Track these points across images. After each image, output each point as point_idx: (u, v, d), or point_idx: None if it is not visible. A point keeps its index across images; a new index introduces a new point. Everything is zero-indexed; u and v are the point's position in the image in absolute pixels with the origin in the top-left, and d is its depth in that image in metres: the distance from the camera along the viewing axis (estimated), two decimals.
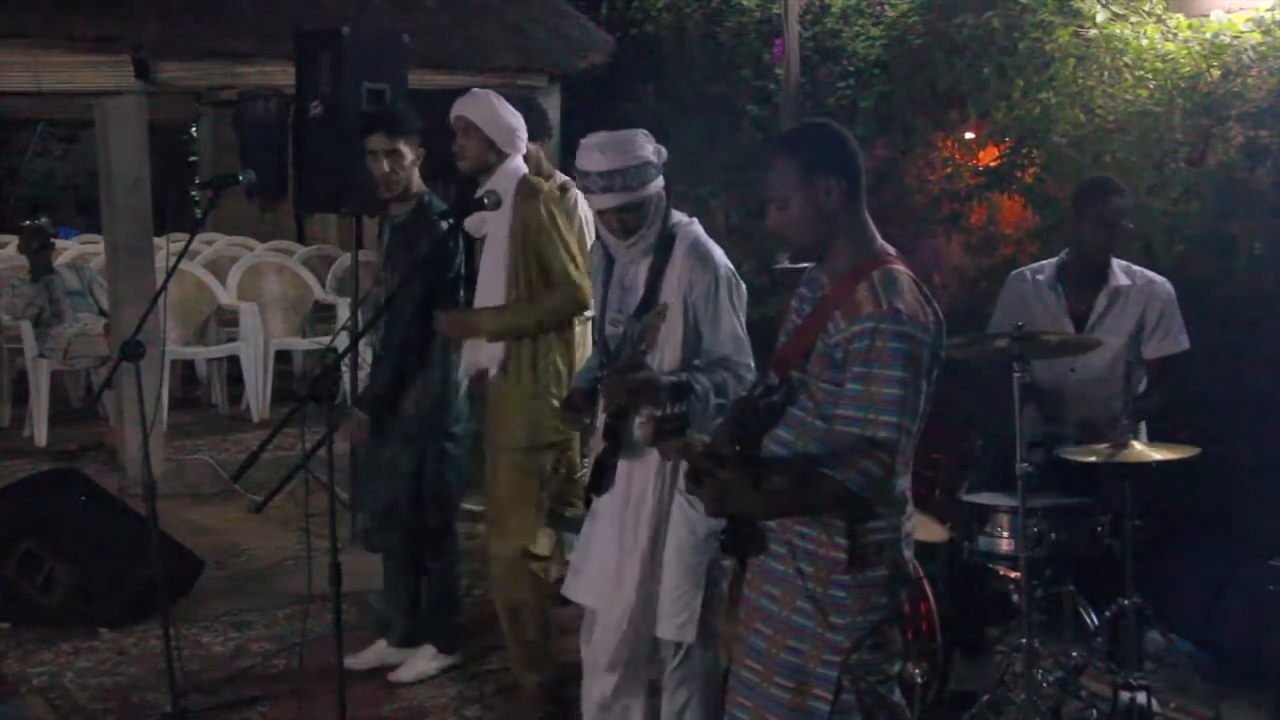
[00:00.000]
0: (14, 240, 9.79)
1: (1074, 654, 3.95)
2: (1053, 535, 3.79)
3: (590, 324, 4.06)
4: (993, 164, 5.99)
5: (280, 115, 6.68)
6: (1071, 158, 5.45)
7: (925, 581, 3.80)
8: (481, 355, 4.10)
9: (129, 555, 5.01)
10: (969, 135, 6.23)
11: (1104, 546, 3.86)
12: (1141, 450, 3.73)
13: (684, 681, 3.41)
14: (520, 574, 4.06)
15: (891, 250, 2.63)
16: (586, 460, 3.88)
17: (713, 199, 7.35)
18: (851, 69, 6.66)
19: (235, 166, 5.43)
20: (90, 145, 10.76)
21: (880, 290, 2.50)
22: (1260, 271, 4.87)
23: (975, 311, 5.33)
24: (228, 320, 8.86)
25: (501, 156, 4.06)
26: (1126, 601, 3.82)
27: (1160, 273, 4.26)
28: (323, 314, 9.26)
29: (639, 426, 3.30)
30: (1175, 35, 5.22)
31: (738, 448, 2.49)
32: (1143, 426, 4.11)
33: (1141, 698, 3.82)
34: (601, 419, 3.41)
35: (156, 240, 7.33)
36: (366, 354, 6.31)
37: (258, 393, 8.61)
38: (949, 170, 6.28)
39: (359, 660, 4.54)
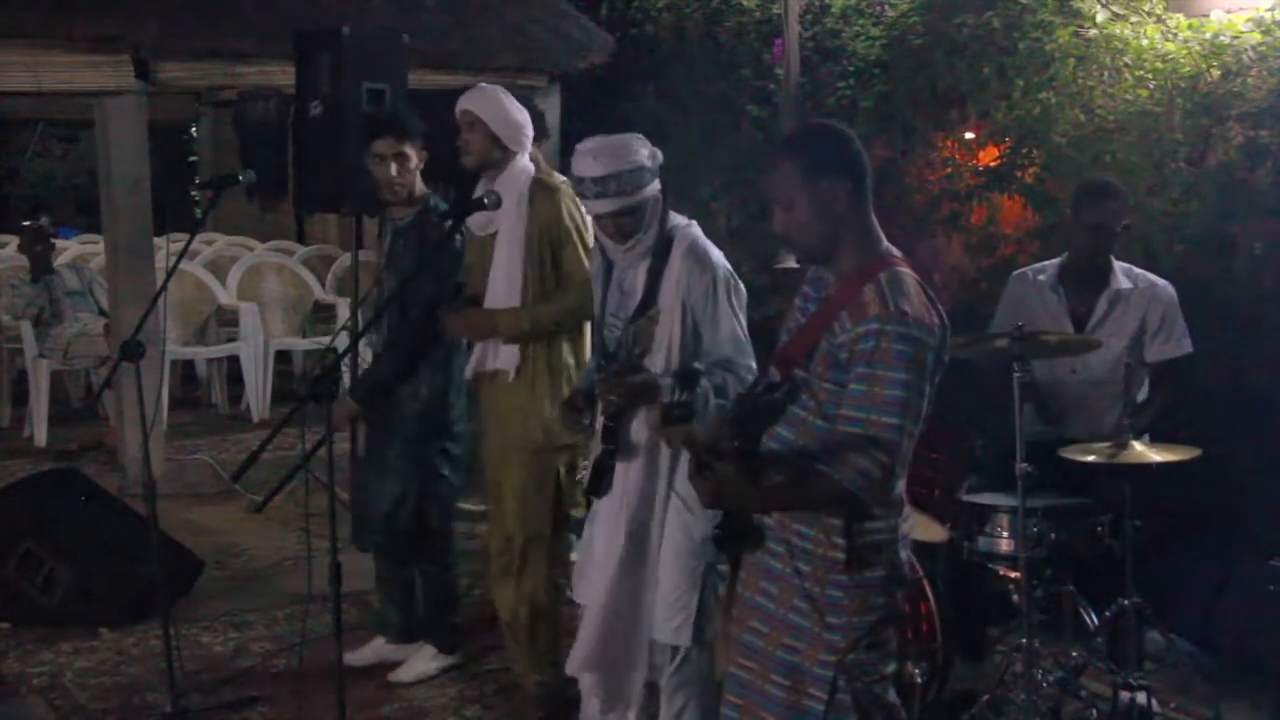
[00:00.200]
0: (14, 240, 9.80)
1: (1074, 654, 3.95)
2: (1053, 535, 3.79)
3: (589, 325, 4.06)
4: (993, 164, 5.99)
5: (280, 115, 6.67)
6: (1071, 158, 5.44)
7: (925, 581, 3.80)
8: (496, 357, 4.05)
9: (129, 555, 5.01)
10: (969, 135, 6.22)
11: (1104, 546, 3.86)
12: (1141, 451, 3.73)
13: (681, 686, 3.41)
14: (537, 576, 4.06)
15: (897, 252, 2.63)
16: (584, 463, 3.88)
17: (714, 201, 7.35)
18: (851, 69, 6.65)
19: (235, 166, 5.42)
20: (90, 145, 10.78)
21: (887, 292, 2.50)
22: (1260, 271, 4.86)
23: (975, 311, 5.33)
24: (228, 320, 8.86)
25: (506, 153, 4.01)
26: (1126, 601, 3.82)
27: (1160, 273, 4.26)
28: (323, 314, 9.26)
29: (642, 422, 3.30)
30: (1175, 35, 5.22)
31: (737, 443, 2.49)
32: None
33: (1141, 698, 3.82)
34: (600, 420, 3.41)
35: (156, 240, 7.33)
36: (366, 354, 6.30)
37: (258, 393, 8.61)
38: (949, 170, 6.28)
39: (358, 656, 4.54)
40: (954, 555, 4.03)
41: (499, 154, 4.00)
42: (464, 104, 4.03)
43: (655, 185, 3.31)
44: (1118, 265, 4.19)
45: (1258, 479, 4.54)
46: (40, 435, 7.91)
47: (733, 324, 3.33)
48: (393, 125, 4.31)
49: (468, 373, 4.23)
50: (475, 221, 4.05)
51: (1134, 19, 5.39)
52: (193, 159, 14.37)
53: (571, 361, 4.03)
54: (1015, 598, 3.89)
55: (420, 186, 4.37)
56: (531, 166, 4.06)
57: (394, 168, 4.26)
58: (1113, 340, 4.11)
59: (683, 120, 7.53)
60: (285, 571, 5.67)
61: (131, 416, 6.01)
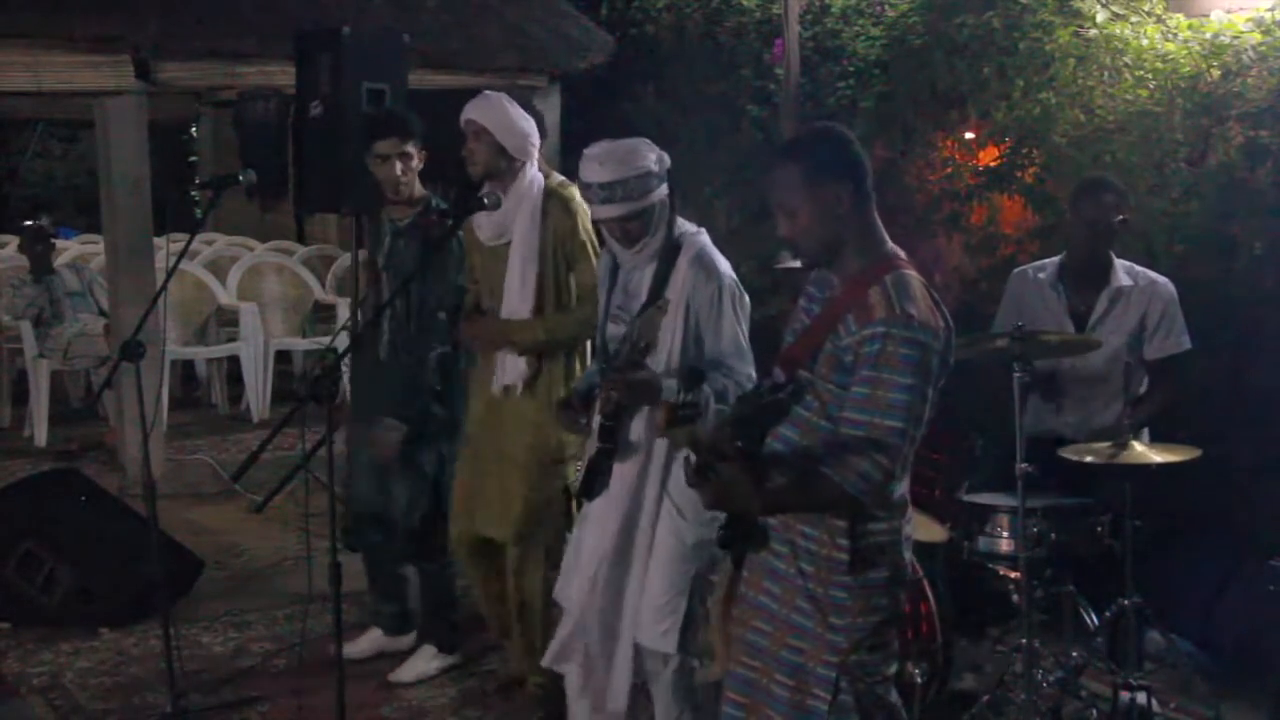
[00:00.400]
0: (14, 240, 9.80)
1: (1074, 654, 3.96)
2: (1053, 535, 3.79)
3: None
4: (993, 164, 5.99)
5: (280, 115, 6.67)
6: (1071, 158, 5.44)
7: (925, 582, 3.80)
8: (504, 371, 3.99)
9: (129, 555, 5.01)
10: (969, 135, 6.22)
11: (1104, 546, 3.86)
12: (1141, 451, 3.73)
13: (677, 692, 3.41)
14: (535, 577, 4.06)
15: (901, 253, 2.63)
16: (578, 464, 3.87)
17: (714, 200, 7.35)
18: (851, 69, 6.65)
19: (235, 166, 5.40)
20: (90, 145, 10.79)
21: (893, 295, 2.50)
22: (1260, 271, 4.86)
23: (975, 311, 5.33)
24: (228, 320, 8.86)
25: (513, 163, 3.95)
26: (1126, 601, 3.82)
27: (1160, 273, 4.26)
28: (323, 314, 9.26)
29: (641, 421, 3.30)
30: (1175, 35, 5.22)
31: (740, 444, 2.49)
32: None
33: (1141, 698, 3.82)
34: (596, 421, 3.41)
35: (156, 240, 7.33)
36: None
37: (258, 393, 8.61)
38: (949, 170, 6.28)
39: (356, 648, 4.56)
40: (954, 555, 4.04)
41: (505, 164, 3.95)
42: (469, 113, 3.96)
43: (663, 190, 3.31)
44: (1118, 263, 4.19)
45: (1258, 479, 4.54)
46: (40, 435, 7.91)
47: (735, 331, 3.33)
48: (396, 125, 4.30)
49: (494, 388, 4.07)
50: (487, 231, 4.02)
51: (1134, 19, 5.39)
52: (193, 159, 14.36)
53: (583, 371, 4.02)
54: (1015, 598, 3.89)
55: (419, 187, 4.37)
56: (541, 177, 4.02)
57: (398, 167, 4.26)
58: (1112, 337, 4.11)
59: (683, 120, 7.53)
60: (285, 571, 5.66)
61: (131, 416, 6.01)
